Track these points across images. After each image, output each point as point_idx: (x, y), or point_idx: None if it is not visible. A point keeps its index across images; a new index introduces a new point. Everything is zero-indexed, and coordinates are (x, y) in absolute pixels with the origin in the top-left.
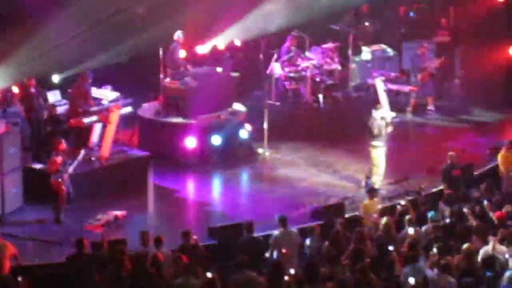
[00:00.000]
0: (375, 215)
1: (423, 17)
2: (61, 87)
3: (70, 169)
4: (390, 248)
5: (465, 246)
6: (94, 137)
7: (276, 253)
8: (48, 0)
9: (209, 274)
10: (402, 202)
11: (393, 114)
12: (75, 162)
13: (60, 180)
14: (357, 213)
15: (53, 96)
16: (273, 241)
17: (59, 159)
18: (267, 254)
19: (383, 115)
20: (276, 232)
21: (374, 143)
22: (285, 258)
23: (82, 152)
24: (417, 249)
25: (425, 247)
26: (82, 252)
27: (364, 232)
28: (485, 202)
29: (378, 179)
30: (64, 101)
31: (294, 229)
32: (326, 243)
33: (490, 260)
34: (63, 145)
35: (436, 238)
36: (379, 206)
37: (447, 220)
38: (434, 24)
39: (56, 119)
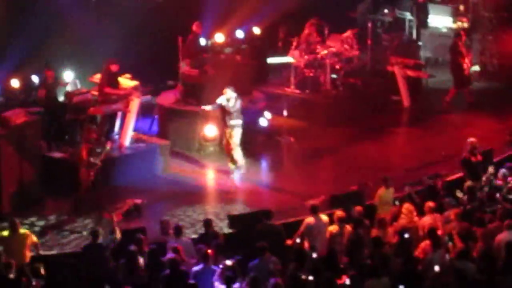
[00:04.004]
0: (397, 203)
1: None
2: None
3: (99, 161)
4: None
5: (482, 231)
6: (114, 125)
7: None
8: None
9: (229, 262)
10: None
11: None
12: (103, 154)
13: (89, 170)
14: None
15: (73, 85)
16: (306, 227)
17: (88, 148)
18: (298, 240)
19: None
20: (308, 219)
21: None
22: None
23: (109, 145)
24: (437, 235)
25: (447, 234)
26: (96, 241)
27: (386, 220)
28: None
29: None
30: (83, 89)
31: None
32: (349, 229)
33: None
34: (94, 134)
35: (458, 225)
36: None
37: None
38: (453, 11)
39: (75, 107)
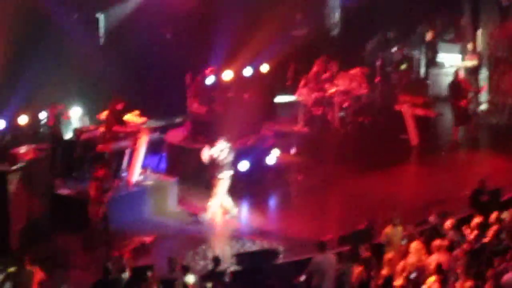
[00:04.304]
0: (403, 242)
1: (452, 42)
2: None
3: (107, 198)
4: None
5: (491, 271)
6: (122, 162)
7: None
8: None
9: None
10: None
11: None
12: (111, 191)
13: (97, 207)
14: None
15: (81, 122)
16: (314, 265)
17: (97, 185)
18: (302, 278)
19: (214, 153)
20: (316, 257)
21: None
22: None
23: (117, 182)
24: (447, 273)
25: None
26: (107, 278)
27: (394, 259)
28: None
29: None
30: (92, 126)
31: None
32: (357, 268)
33: None
34: (102, 171)
35: (467, 263)
36: (402, 233)
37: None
38: (462, 49)
39: (84, 144)
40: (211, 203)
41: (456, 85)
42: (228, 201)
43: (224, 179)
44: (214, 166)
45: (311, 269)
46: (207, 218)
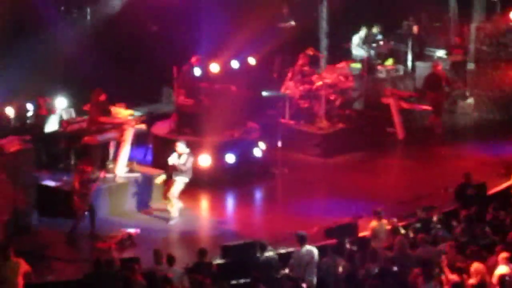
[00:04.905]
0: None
1: (438, 36)
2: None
3: (92, 189)
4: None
5: (476, 265)
6: (108, 154)
7: (295, 270)
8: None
9: None
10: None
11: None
12: (97, 183)
13: (82, 199)
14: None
15: (67, 114)
16: (295, 258)
17: (81, 177)
18: (286, 271)
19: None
20: (296, 250)
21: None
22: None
23: (102, 174)
24: (432, 267)
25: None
26: (99, 270)
27: (378, 251)
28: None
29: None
30: (78, 118)
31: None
32: (341, 261)
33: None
34: (88, 163)
35: (453, 258)
36: (387, 227)
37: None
38: (448, 44)
39: (70, 136)
40: (170, 206)
41: (432, 77)
42: (174, 204)
43: (179, 182)
44: (172, 167)
45: (292, 262)
46: (173, 221)
